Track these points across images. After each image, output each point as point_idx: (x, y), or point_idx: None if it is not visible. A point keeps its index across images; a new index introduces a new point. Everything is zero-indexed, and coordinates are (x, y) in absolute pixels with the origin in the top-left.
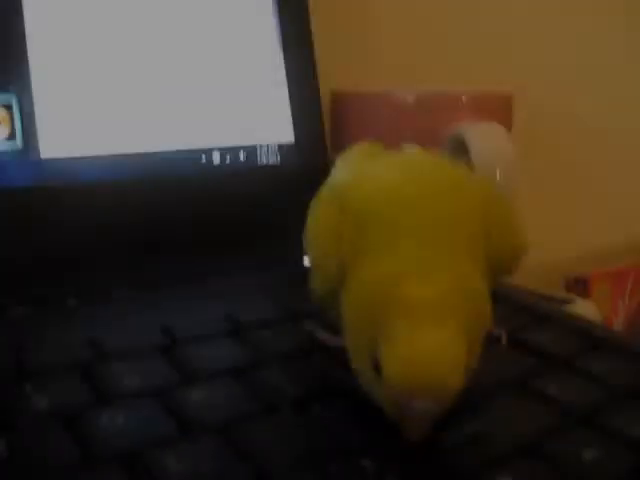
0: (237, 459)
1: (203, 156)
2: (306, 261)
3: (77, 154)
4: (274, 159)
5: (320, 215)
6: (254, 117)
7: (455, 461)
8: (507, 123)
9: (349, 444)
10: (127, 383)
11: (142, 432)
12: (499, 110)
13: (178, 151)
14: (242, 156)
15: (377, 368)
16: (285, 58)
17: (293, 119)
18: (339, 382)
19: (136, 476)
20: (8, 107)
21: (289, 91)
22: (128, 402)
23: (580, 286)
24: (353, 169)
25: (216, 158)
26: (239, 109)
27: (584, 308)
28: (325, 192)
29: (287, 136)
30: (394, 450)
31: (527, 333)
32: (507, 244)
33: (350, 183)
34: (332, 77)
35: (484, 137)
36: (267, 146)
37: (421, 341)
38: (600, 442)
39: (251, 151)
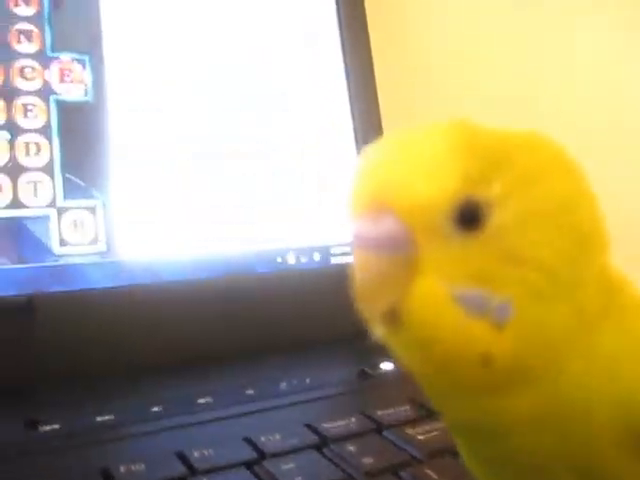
0: None
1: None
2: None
3: (157, 256)
4: (348, 258)
5: None
6: (328, 217)
7: None
8: None
9: None
10: None
11: None
12: None
13: (255, 252)
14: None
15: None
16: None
17: None
18: None
19: None
20: (92, 211)
21: None
22: None
23: None
24: None
25: (291, 259)
26: (314, 210)
27: None
28: None
29: None
30: None
31: None
32: None
33: None
34: None
35: None
36: (340, 246)
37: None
38: None
39: (325, 251)
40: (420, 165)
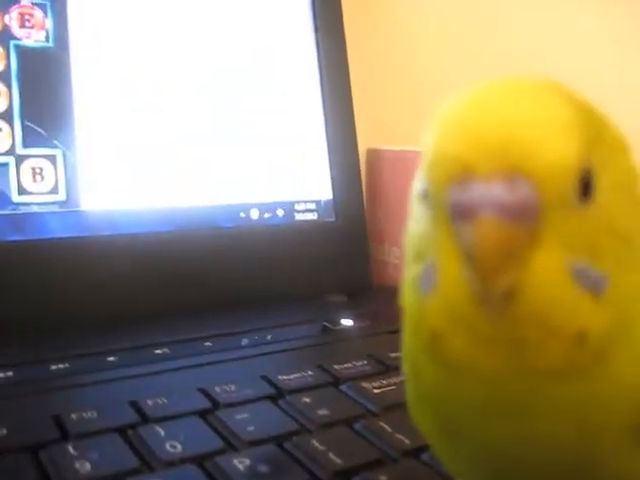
0: None
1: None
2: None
3: (118, 207)
4: (312, 215)
5: None
6: (293, 175)
7: None
8: None
9: None
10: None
11: None
12: None
13: (218, 206)
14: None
15: None
16: (325, 115)
17: (331, 176)
18: (383, 453)
19: None
20: (52, 160)
21: (328, 149)
22: (170, 468)
23: None
24: None
25: (254, 214)
26: (279, 167)
27: None
28: None
29: (325, 193)
30: None
31: None
32: None
33: None
34: (368, 134)
35: None
36: (305, 202)
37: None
38: None
39: (289, 207)
40: (545, 123)
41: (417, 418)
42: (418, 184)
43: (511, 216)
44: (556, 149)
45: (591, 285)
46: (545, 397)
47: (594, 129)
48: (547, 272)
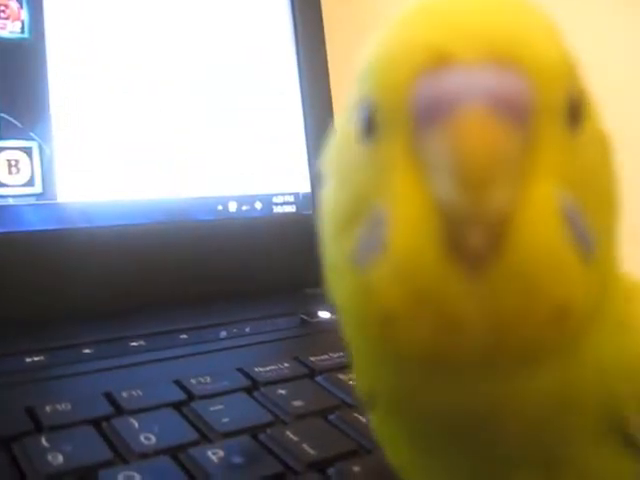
0: None
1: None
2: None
3: (94, 199)
4: (290, 208)
5: None
6: (271, 167)
7: None
8: None
9: None
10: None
11: None
12: None
13: (195, 198)
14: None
15: None
16: (303, 108)
17: (310, 169)
18: (357, 444)
19: None
20: (28, 153)
21: (306, 141)
22: (144, 460)
23: None
24: None
25: (232, 206)
26: (257, 159)
27: None
28: None
29: (304, 186)
30: None
31: None
32: None
33: None
34: None
35: None
36: (283, 195)
37: None
38: None
39: (267, 200)
40: (535, 20)
41: (383, 443)
42: (351, 115)
43: (503, 111)
44: (551, 44)
45: (581, 239)
46: (518, 393)
47: (576, 66)
48: (543, 209)
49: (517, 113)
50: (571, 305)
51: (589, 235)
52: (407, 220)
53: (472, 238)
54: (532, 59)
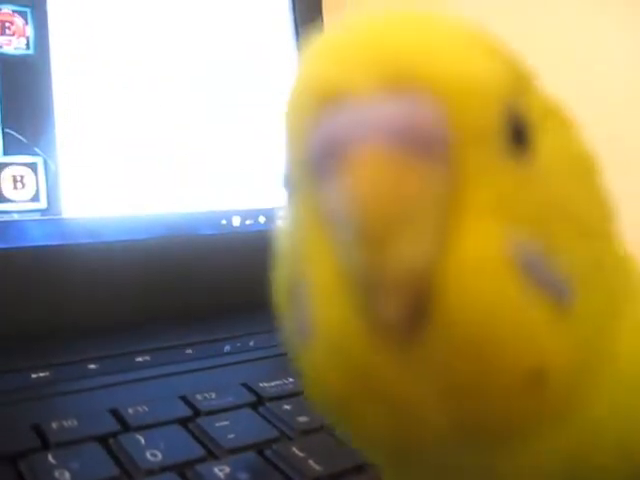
0: None
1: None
2: None
3: (99, 214)
4: None
5: None
6: (275, 182)
7: None
8: None
9: None
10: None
11: None
12: None
13: (199, 213)
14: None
15: None
16: None
17: None
18: (363, 459)
19: None
20: (33, 168)
21: None
22: (151, 477)
23: None
24: None
25: (236, 221)
26: (261, 174)
27: None
28: None
29: None
30: None
31: None
32: None
33: None
34: None
35: None
36: None
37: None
38: None
39: (271, 214)
40: (453, 40)
41: None
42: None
43: (407, 146)
44: (470, 61)
45: (548, 287)
46: (517, 466)
47: (520, 78)
48: (481, 257)
49: (426, 146)
50: (546, 367)
51: (559, 281)
52: (324, 294)
53: (383, 308)
54: (441, 80)
